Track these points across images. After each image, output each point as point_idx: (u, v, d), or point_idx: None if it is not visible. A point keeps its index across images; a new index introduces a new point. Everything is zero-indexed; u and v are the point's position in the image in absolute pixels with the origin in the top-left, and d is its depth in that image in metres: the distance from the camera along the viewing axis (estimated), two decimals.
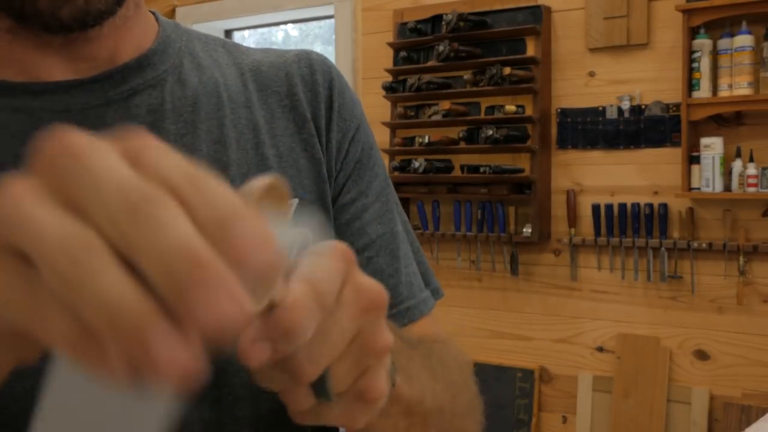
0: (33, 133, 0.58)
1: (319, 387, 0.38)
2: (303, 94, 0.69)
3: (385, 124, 3.42)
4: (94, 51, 0.62)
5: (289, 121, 0.68)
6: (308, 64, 0.71)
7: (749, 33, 2.78)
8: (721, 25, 2.84)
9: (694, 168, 2.87)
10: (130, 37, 0.64)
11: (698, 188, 2.86)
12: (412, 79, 3.34)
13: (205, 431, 0.60)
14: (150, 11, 0.69)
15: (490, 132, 3.16)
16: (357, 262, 0.39)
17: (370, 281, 0.39)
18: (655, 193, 3.03)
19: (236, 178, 0.64)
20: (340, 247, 0.38)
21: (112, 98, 0.62)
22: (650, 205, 3.02)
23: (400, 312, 0.69)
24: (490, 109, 3.29)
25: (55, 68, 0.61)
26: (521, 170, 3.18)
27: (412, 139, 3.41)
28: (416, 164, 3.32)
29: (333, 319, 0.37)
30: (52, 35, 0.58)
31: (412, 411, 0.54)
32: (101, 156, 0.28)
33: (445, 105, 3.28)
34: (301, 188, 0.67)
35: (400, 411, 0.52)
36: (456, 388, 0.63)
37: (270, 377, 0.38)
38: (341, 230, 0.69)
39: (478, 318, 3.39)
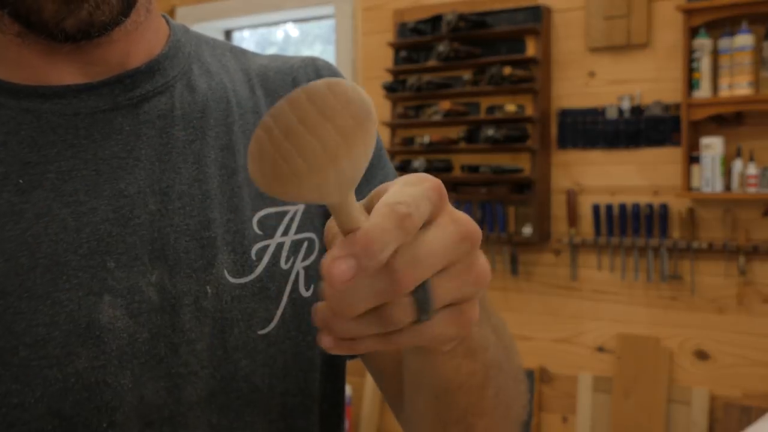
0: (41, 138, 0.59)
1: (421, 298, 0.39)
2: None
3: (385, 124, 3.42)
4: (105, 56, 0.62)
5: None
6: (314, 69, 0.72)
7: (749, 33, 2.78)
8: (721, 25, 2.84)
9: (694, 168, 2.87)
10: (142, 41, 0.64)
11: (698, 188, 2.86)
12: (412, 79, 3.34)
13: None
14: (161, 15, 0.69)
15: (490, 132, 3.16)
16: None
17: (464, 214, 0.41)
18: (655, 193, 3.03)
19: (243, 184, 0.64)
20: (431, 179, 0.40)
21: (122, 103, 0.62)
22: (650, 205, 3.02)
23: None
24: (490, 109, 3.29)
25: (65, 72, 0.61)
26: (521, 170, 3.18)
27: (412, 139, 3.41)
28: (416, 164, 3.32)
29: (434, 231, 0.39)
30: (60, 44, 0.58)
31: (476, 356, 0.54)
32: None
33: (445, 105, 3.28)
34: None
35: (464, 352, 0.53)
36: (511, 351, 0.63)
37: (372, 288, 0.38)
38: None
39: None
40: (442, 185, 0.40)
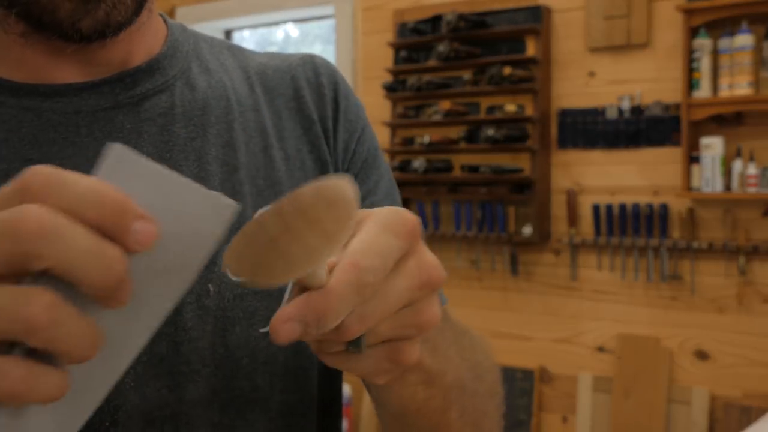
0: (42, 135, 0.58)
1: (354, 339, 0.40)
2: (309, 96, 0.70)
3: (385, 124, 3.42)
4: (108, 56, 0.62)
5: (296, 123, 0.69)
6: (313, 67, 0.72)
7: (749, 33, 2.78)
8: (721, 25, 2.84)
9: (694, 168, 2.87)
10: (143, 41, 0.64)
11: (698, 188, 2.86)
12: (412, 79, 3.34)
13: None
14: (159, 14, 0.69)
15: (490, 132, 3.16)
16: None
17: (432, 257, 0.41)
18: (655, 193, 3.03)
19: (245, 180, 0.64)
20: (409, 221, 0.40)
21: (123, 101, 0.62)
22: (650, 205, 3.02)
23: None
24: (490, 109, 3.29)
25: (66, 71, 0.61)
26: (521, 170, 3.18)
27: (412, 139, 3.41)
28: (416, 164, 3.32)
29: (396, 280, 0.39)
30: (66, 43, 0.58)
31: (432, 383, 0.54)
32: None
33: (445, 105, 3.28)
34: None
35: (420, 380, 0.53)
36: (481, 369, 0.63)
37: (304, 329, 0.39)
38: None
39: (478, 318, 3.39)
40: (419, 225, 0.40)
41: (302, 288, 0.37)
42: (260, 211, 0.35)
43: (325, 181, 0.35)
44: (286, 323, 0.36)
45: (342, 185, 0.35)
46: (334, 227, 0.35)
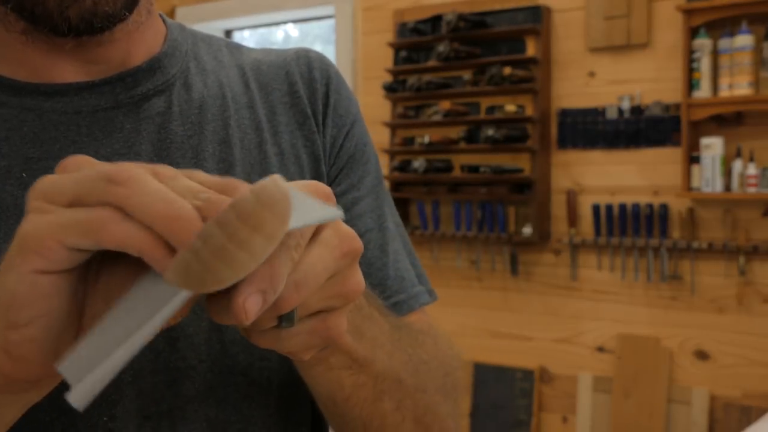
0: (43, 134, 0.59)
1: (287, 313, 0.41)
2: (303, 91, 0.70)
3: (385, 124, 3.42)
4: (107, 54, 0.62)
5: (290, 118, 0.69)
6: (306, 62, 0.72)
7: (749, 33, 2.78)
8: (721, 25, 2.84)
9: (694, 168, 2.87)
10: (142, 41, 0.65)
11: (698, 188, 2.86)
12: (412, 79, 3.34)
13: (211, 430, 0.60)
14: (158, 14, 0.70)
15: (490, 132, 3.16)
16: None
17: (348, 228, 0.43)
18: (655, 193, 3.03)
19: (241, 177, 0.64)
20: (320, 189, 0.42)
21: (123, 101, 0.62)
22: (650, 205, 3.02)
23: (389, 307, 0.68)
24: (490, 109, 3.29)
25: (67, 70, 0.61)
26: (521, 170, 3.19)
27: (412, 139, 3.41)
28: (416, 164, 3.32)
29: (318, 249, 0.41)
30: (61, 38, 0.59)
31: (360, 369, 0.54)
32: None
33: (445, 105, 3.28)
34: None
35: (343, 364, 0.53)
36: (425, 365, 0.63)
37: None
38: None
39: (478, 318, 3.39)
40: (328, 191, 0.42)
41: None
42: (205, 225, 0.37)
43: (262, 185, 0.36)
44: (249, 298, 0.37)
45: (277, 185, 0.36)
46: (275, 227, 0.36)
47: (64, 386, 0.42)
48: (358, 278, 0.43)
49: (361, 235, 0.69)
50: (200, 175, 0.41)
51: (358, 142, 0.72)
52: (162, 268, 0.37)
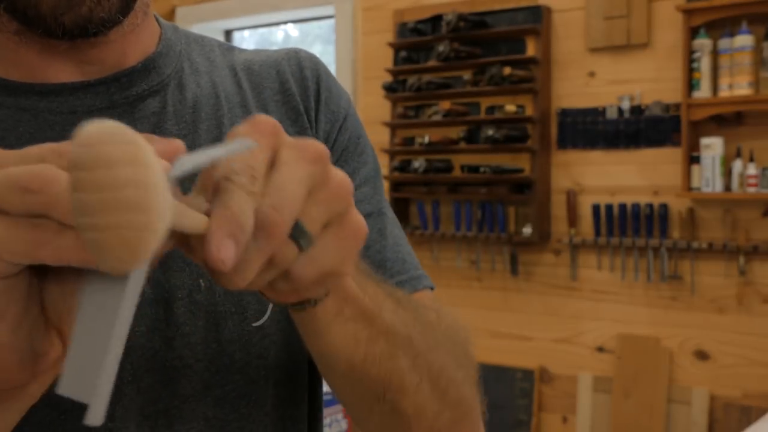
0: (38, 135, 0.59)
1: (297, 232, 0.40)
2: (294, 89, 0.71)
3: (385, 124, 3.42)
4: (102, 55, 0.62)
5: (283, 115, 0.70)
6: (297, 61, 0.73)
7: (749, 33, 2.78)
8: (721, 25, 2.84)
9: (694, 168, 2.87)
10: (138, 42, 0.65)
11: (698, 188, 2.86)
12: (412, 79, 3.34)
13: (209, 429, 0.60)
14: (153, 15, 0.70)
15: (490, 132, 3.16)
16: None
17: (305, 141, 0.41)
18: (655, 193, 3.03)
19: None
20: (258, 123, 0.40)
21: (118, 102, 0.62)
22: (650, 205, 3.02)
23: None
24: (490, 109, 3.29)
25: (61, 70, 0.61)
26: (521, 170, 3.19)
27: (412, 139, 3.41)
28: (416, 164, 3.32)
29: (282, 170, 0.39)
30: (55, 40, 0.58)
31: (369, 321, 0.53)
32: None
33: (445, 105, 3.28)
34: None
35: (355, 313, 0.52)
36: (431, 328, 0.62)
37: (256, 252, 0.38)
38: None
39: (478, 318, 3.39)
40: (270, 121, 0.40)
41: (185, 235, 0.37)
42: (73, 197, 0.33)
43: (101, 152, 0.30)
44: (220, 246, 0.36)
45: (94, 128, 0.31)
46: (137, 193, 0.30)
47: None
48: (339, 176, 0.42)
49: None
50: None
51: (351, 135, 0.72)
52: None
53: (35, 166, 0.35)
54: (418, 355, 0.58)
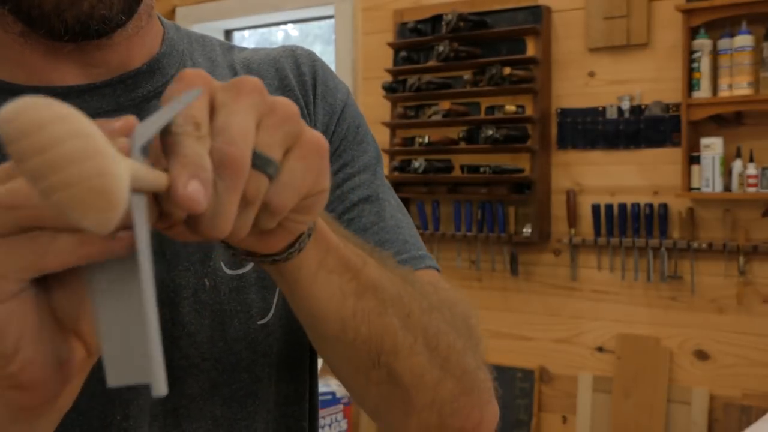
0: None
1: (259, 161, 0.40)
2: (294, 83, 0.71)
3: (385, 124, 3.42)
4: (106, 57, 0.62)
5: None
6: (294, 58, 0.73)
7: (749, 33, 2.78)
8: (721, 25, 2.84)
9: (694, 168, 2.87)
10: (143, 44, 0.65)
11: (698, 188, 2.86)
12: (412, 79, 3.34)
13: (216, 428, 0.61)
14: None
15: (490, 132, 3.16)
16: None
17: (238, 78, 0.42)
18: (655, 193, 3.03)
19: None
20: (187, 75, 0.41)
21: (124, 104, 0.62)
22: (650, 205, 3.02)
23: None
24: (490, 109, 3.29)
25: (66, 73, 0.61)
26: (521, 170, 3.19)
27: (412, 139, 3.41)
28: (416, 164, 3.32)
29: (224, 111, 0.39)
30: (58, 41, 0.58)
31: (354, 272, 0.53)
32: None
33: (445, 105, 3.28)
34: None
35: (338, 265, 0.51)
36: (424, 292, 0.60)
37: (225, 189, 0.38)
38: None
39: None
40: (196, 72, 0.41)
41: (151, 189, 0.36)
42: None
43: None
44: (187, 187, 0.35)
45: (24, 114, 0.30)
46: (77, 142, 0.30)
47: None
48: (282, 101, 0.42)
49: (354, 205, 0.68)
50: None
51: (350, 124, 0.72)
52: (113, 251, 0.35)
53: (10, 184, 0.36)
54: (409, 315, 0.56)
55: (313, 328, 0.55)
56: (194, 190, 0.35)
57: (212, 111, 0.40)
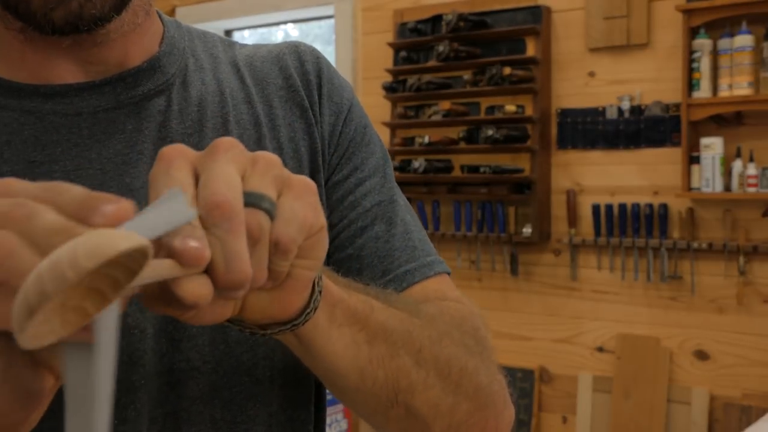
0: (43, 137, 0.59)
1: (253, 198, 0.41)
2: (298, 83, 0.70)
3: (385, 124, 3.42)
4: (104, 55, 0.62)
5: (287, 111, 0.69)
6: (298, 56, 0.72)
7: (749, 33, 2.78)
8: (721, 25, 2.84)
9: (694, 168, 2.87)
10: (141, 42, 0.64)
11: (698, 188, 2.86)
12: (412, 79, 3.34)
13: (216, 431, 0.60)
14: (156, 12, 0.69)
15: (490, 132, 3.16)
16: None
17: (213, 142, 0.42)
18: (655, 193, 3.03)
19: None
20: (167, 154, 0.41)
21: (124, 102, 0.62)
22: (650, 205, 3.02)
23: (398, 276, 0.67)
24: (490, 109, 3.29)
25: (65, 71, 0.61)
26: (521, 170, 3.19)
27: (412, 139, 3.41)
28: (416, 164, 3.32)
29: (206, 174, 0.40)
30: (49, 37, 0.58)
31: (362, 321, 0.53)
32: None
33: (445, 105, 3.28)
34: None
35: (347, 316, 0.52)
36: (431, 320, 0.61)
37: (230, 243, 0.39)
38: (334, 206, 0.68)
39: None
40: (175, 148, 0.41)
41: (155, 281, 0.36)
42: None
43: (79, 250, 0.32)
44: (189, 245, 0.36)
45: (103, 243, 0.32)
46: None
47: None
48: (262, 153, 0.43)
49: (366, 211, 0.68)
50: (65, 193, 0.37)
51: (357, 125, 0.72)
52: (78, 336, 0.35)
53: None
54: (420, 350, 0.58)
55: (333, 383, 0.56)
56: (192, 243, 0.36)
57: (197, 179, 0.40)
